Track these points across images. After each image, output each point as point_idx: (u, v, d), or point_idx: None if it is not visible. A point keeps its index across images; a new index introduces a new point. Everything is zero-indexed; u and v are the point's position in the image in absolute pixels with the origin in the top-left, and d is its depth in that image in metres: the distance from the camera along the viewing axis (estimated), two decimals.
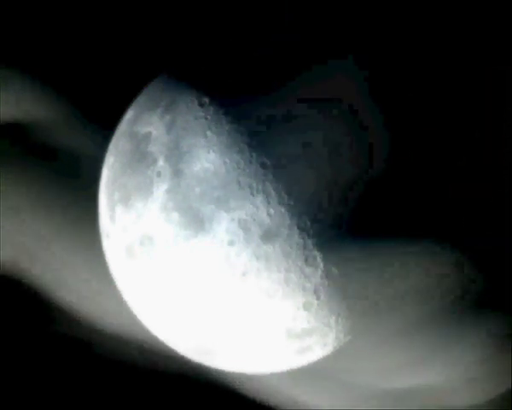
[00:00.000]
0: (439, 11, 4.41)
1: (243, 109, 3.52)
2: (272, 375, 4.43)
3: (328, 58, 3.73)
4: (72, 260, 4.84)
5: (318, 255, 3.47)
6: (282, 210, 3.42)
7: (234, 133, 3.49)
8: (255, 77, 3.59)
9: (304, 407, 4.83)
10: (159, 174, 3.55)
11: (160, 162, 3.56)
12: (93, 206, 4.10)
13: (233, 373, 4.18)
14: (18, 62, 4.81)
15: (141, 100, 3.90)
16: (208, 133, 3.51)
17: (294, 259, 3.46)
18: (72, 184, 4.83)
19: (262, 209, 3.43)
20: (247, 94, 3.54)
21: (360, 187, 3.49)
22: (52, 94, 4.81)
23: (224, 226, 3.43)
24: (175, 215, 3.49)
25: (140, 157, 3.65)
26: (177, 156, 3.52)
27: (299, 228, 3.43)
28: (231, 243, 3.43)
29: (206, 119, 3.54)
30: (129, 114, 3.90)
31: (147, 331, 4.05)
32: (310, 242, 3.44)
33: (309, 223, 3.43)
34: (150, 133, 3.65)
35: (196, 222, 3.45)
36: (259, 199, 3.43)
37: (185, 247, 3.48)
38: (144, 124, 3.72)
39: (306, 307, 3.54)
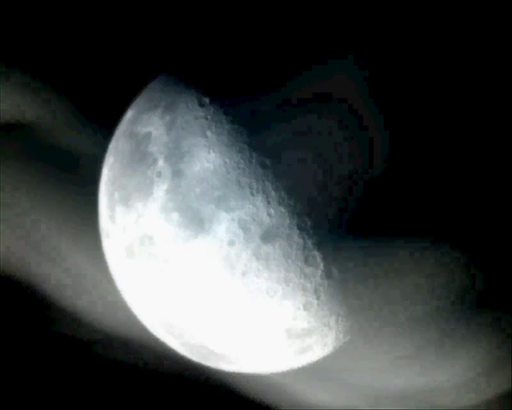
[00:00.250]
0: (438, 10, 4.41)
1: (243, 109, 3.52)
2: (272, 375, 4.43)
3: (328, 58, 3.73)
4: (72, 260, 4.84)
5: (318, 255, 3.47)
6: (282, 210, 3.42)
7: (234, 133, 3.49)
8: (255, 77, 3.59)
9: (304, 407, 4.83)
10: (159, 174, 3.55)
11: (160, 162, 3.56)
12: (93, 206, 4.10)
13: (233, 373, 4.18)
14: (18, 62, 4.81)
15: (141, 100, 3.90)
16: (208, 133, 3.51)
17: (294, 259, 3.46)
18: (72, 184, 4.83)
19: (262, 209, 3.43)
20: (247, 94, 3.54)
21: (360, 187, 3.49)
22: (52, 94, 4.81)
23: (223, 226, 3.43)
24: (175, 215, 3.49)
25: (140, 157, 3.65)
26: (177, 156, 3.52)
27: (299, 228, 3.43)
28: (231, 243, 3.43)
29: (206, 119, 3.54)
30: (129, 114, 3.90)
31: (147, 331, 4.05)
32: (310, 242, 3.44)
33: (309, 223, 3.43)
34: (150, 133, 3.65)
35: (196, 222, 3.45)
36: (259, 199, 3.43)
37: (185, 247, 3.48)
38: (144, 124, 3.72)
39: (306, 307, 3.54)
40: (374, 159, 3.55)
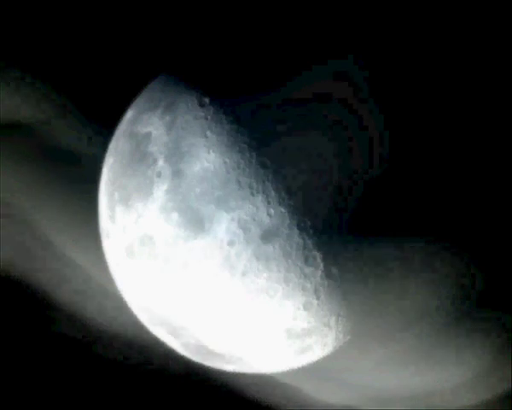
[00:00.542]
0: (437, 11, 4.41)
1: (243, 109, 3.51)
2: (272, 375, 4.43)
3: (328, 58, 3.73)
4: (72, 259, 4.84)
5: (318, 255, 3.47)
6: (282, 210, 3.42)
7: (234, 133, 3.49)
8: (255, 77, 3.59)
9: (304, 407, 4.83)
10: (159, 174, 3.55)
11: (160, 162, 3.56)
12: (93, 206, 4.10)
13: (233, 373, 4.18)
14: (18, 62, 4.81)
15: (141, 100, 3.90)
16: (208, 133, 3.51)
17: (294, 259, 3.45)
18: (71, 184, 4.83)
19: (262, 209, 3.43)
20: (247, 94, 3.54)
21: (360, 187, 3.48)
22: (52, 94, 4.81)
23: (223, 226, 3.43)
24: (175, 215, 3.49)
25: (140, 157, 3.65)
26: (177, 156, 3.52)
27: (299, 228, 3.43)
28: (231, 243, 3.43)
29: (206, 119, 3.54)
30: (129, 114, 3.90)
31: (147, 331, 4.05)
32: (310, 242, 3.44)
33: (309, 223, 3.43)
34: (150, 133, 3.65)
35: (196, 222, 3.45)
36: (259, 199, 3.43)
37: (185, 247, 3.48)
38: (144, 124, 3.72)
39: (306, 307, 3.54)
40: (374, 159, 3.55)
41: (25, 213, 4.85)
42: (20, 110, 4.84)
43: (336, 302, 3.58)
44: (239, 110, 3.52)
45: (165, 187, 3.53)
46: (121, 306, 4.08)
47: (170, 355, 4.19)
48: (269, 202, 3.42)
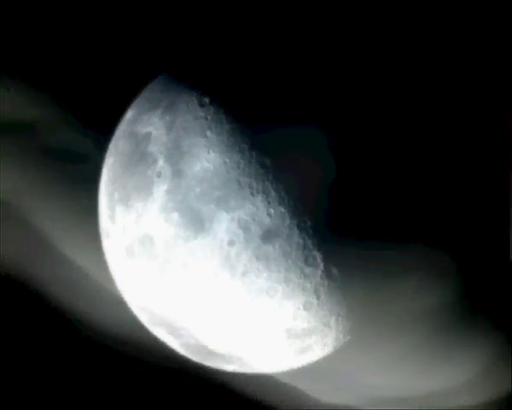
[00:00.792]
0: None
1: (243, 109, 3.51)
2: (272, 375, 4.43)
3: None
4: (72, 260, 4.84)
5: (318, 255, 3.47)
6: (282, 210, 3.42)
7: (234, 133, 3.49)
8: (255, 77, 3.59)
9: (304, 407, 4.83)
10: (159, 174, 3.55)
11: (160, 162, 3.56)
12: (93, 206, 4.10)
13: (233, 373, 4.18)
14: (18, 63, 4.81)
15: (141, 100, 3.90)
16: (208, 133, 3.51)
17: (294, 259, 3.45)
18: (71, 184, 4.83)
19: (262, 209, 3.43)
20: (248, 94, 3.54)
21: (360, 188, 3.48)
22: (52, 94, 4.81)
23: (224, 226, 3.43)
24: (175, 215, 3.49)
25: (140, 157, 3.65)
26: (177, 156, 3.52)
27: (299, 228, 3.43)
28: (231, 243, 3.43)
29: (206, 119, 3.54)
30: (129, 115, 3.90)
31: (147, 331, 4.05)
32: (310, 242, 3.44)
33: (309, 223, 3.43)
34: (150, 133, 3.65)
35: (196, 222, 3.45)
36: (259, 199, 3.43)
37: (185, 247, 3.48)
38: (144, 124, 3.72)
39: (306, 307, 3.54)
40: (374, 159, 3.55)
41: (25, 213, 4.85)
42: (21, 110, 4.84)
43: (336, 302, 3.58)
44: (239, 110, 3.52)
45: (165, 187, 3.53)
46: (121, 306, 4.08)
47: (170, 355, 4.19)
48: (269, 202, 3.42)
